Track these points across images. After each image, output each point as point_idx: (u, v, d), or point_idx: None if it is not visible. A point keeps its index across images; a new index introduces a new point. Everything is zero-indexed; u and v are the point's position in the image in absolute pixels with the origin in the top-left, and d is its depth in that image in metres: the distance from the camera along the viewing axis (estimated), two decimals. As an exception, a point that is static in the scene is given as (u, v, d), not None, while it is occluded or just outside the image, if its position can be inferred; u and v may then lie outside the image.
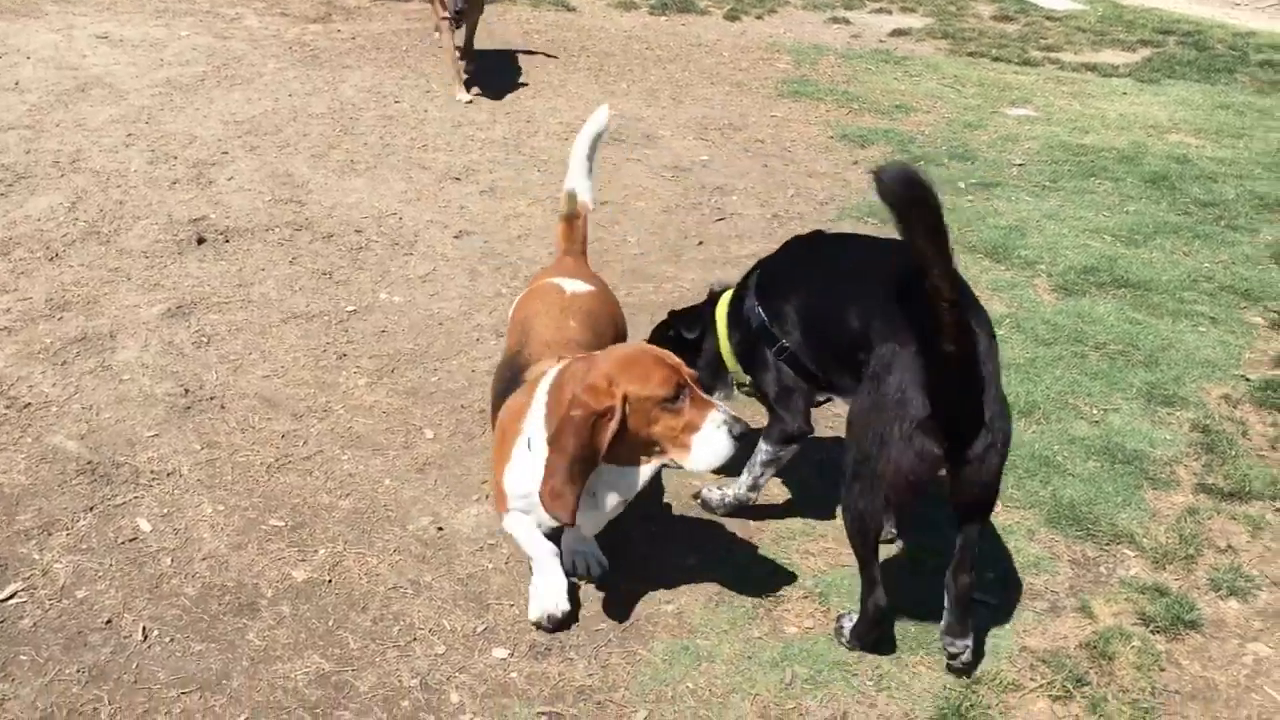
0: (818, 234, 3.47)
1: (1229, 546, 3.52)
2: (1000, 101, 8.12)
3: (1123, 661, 3.03)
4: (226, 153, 6.16)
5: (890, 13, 10.79)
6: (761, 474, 3.46)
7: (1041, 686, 2.94)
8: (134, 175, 5.80)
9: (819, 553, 3.44)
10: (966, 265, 5.34)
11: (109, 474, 3.58)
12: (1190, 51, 9.82)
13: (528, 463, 2.85)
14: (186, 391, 4.04)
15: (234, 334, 4.44)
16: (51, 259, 4.90)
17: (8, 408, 3.88)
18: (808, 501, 3.66)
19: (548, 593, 3.03)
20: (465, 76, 7.47)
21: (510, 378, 3.10)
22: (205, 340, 4.38)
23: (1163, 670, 3.02)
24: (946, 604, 2.92)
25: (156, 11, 8.91)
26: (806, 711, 2.85)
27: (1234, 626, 3.21)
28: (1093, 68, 9.22)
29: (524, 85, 7.70)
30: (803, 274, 3.28)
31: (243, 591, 3.15)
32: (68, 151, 6.01)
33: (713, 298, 3.61)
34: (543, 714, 2.81)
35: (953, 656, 2.95)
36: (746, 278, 3.47)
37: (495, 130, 6.82)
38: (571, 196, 3.68)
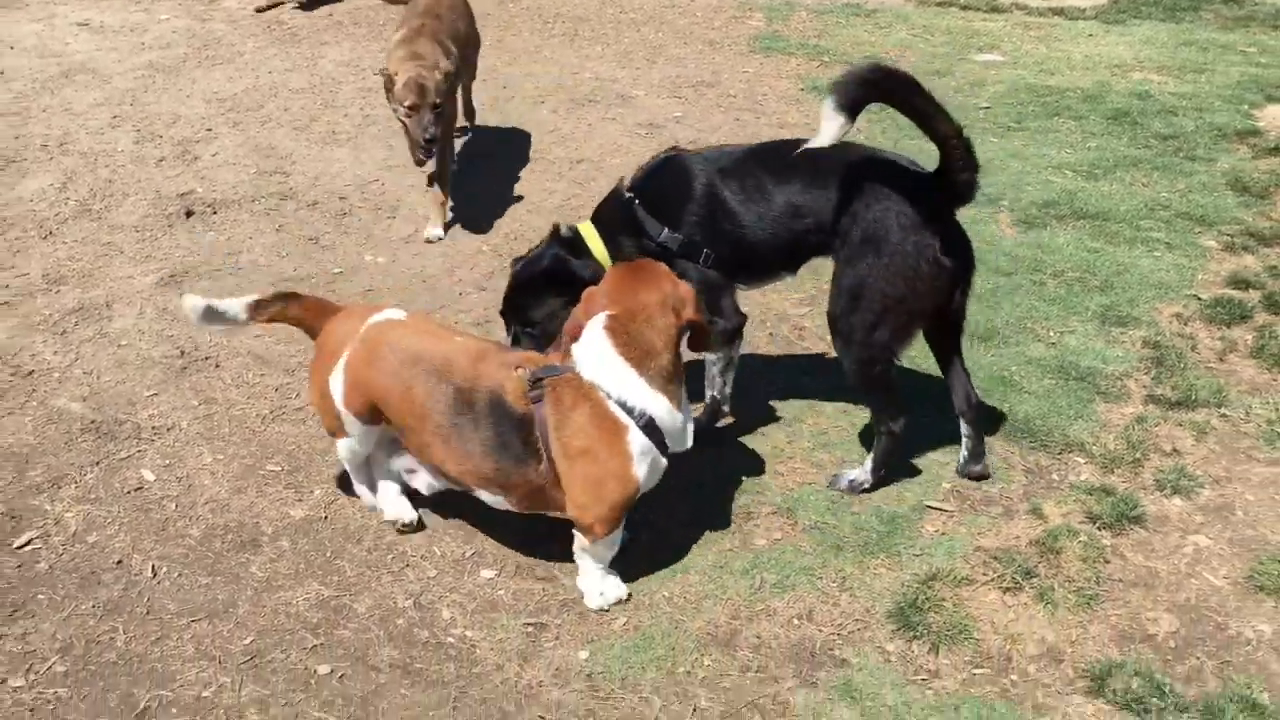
0: (683, 154, 3.58)
1: (1174, 450, 3.72)
2: (968, 48, 8.26)
3: (1069, 555, 3.23)
4: (210, 130, 6.33)
5: (862, -34, 10.89)
6: (723, 382, 3.69)
7: (992, 580, 3.15)
8: (121, 155, 5.97)
9: (787, 473, 3.64)
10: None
11: (112, 431, 3.78)
12: (1162, -7, 9.94)
13: None
14: (182, 353, 4.23)
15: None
16: (45, 237, 5.08)
17: (12, 375, 4.07)
18: (776, 427, 3.86)
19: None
20: (449, 206, 5.39)
21: None
22: (198, 305, 4.56)
23: (1107, 562, 3.23)
24: (965, 433, 3.51)
25: (136, -4, 9.03)
26: (774, 611, 3.06)
27: (1176, 521, 3.41)
28: (1060, 11, 9.34)
29: (499, 52, 7.84)
30: (708, 186, 3.45)
31: (244, 530, 3.35)
32: (55, 135, 6.17)
33: (567, 236, 3.59)
34: (529, 624, 3.02)
35: (979, 477, 3.51)
36: (611, 210, 3.57)
37: (474, 97, 6.98)
38: None
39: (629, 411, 2.92)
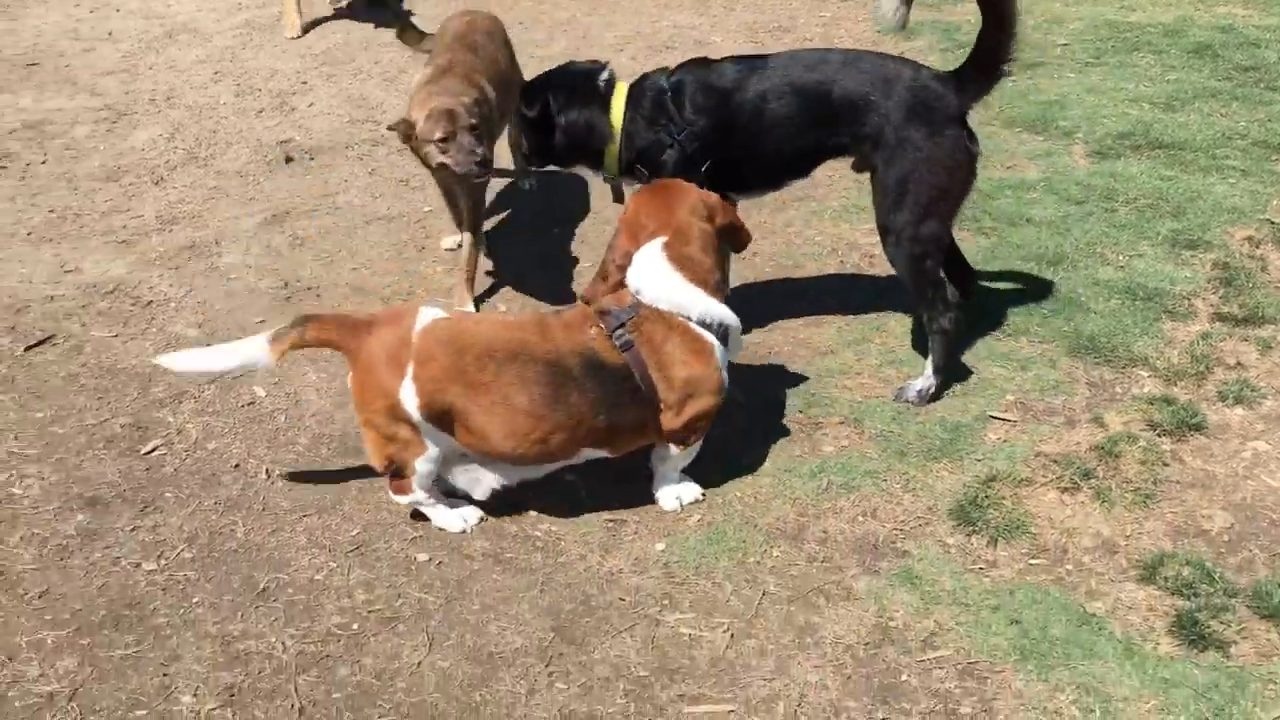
0: (715, 61, 3.81)
1: (1239, 364, 3.80)
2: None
3: (1128, 459, 3.36)
4: (305, 82, 6.62)
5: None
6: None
7: (1051, 481, 3.29)
8: (223, 108, 6.28)
9: (854, 387, 3.81)
10: (1005, 139, 5.59)
11: (226, 353, 4.08)
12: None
13: None
14: (286, 285, 4.52)
15: (324, 236, 4.91)
16: (157, 183, 5.41)
17: (133, 305, 4.40)
18: (844, 346, 4.02)
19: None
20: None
21: None
22: (299, 242, 4.85)
23: (1165, 465, 3.35)
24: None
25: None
26: (839, 509, 3.25)
27: (1237, 429, 3.51)
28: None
29: (578, 3, 8.01)
30: (736, 90, 3.68)
31: (347, 439, 3.62)
32: (162, 90, 6.51)
33: (602, 88, 3.79)
34: (609, 521, 3.24)
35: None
36: (643, 92, 3.77)
37: (553, 46, 7.18)
38: None
39: (707, 328, 3.11)
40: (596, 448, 3.16)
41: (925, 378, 3.67)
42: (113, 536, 3.22)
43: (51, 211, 5.13)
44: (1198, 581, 2.88)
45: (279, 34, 7.44)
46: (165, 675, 2.77)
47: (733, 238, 3.31)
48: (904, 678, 2.71)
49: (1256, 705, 2.58)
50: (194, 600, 3.01)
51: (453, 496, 3.27)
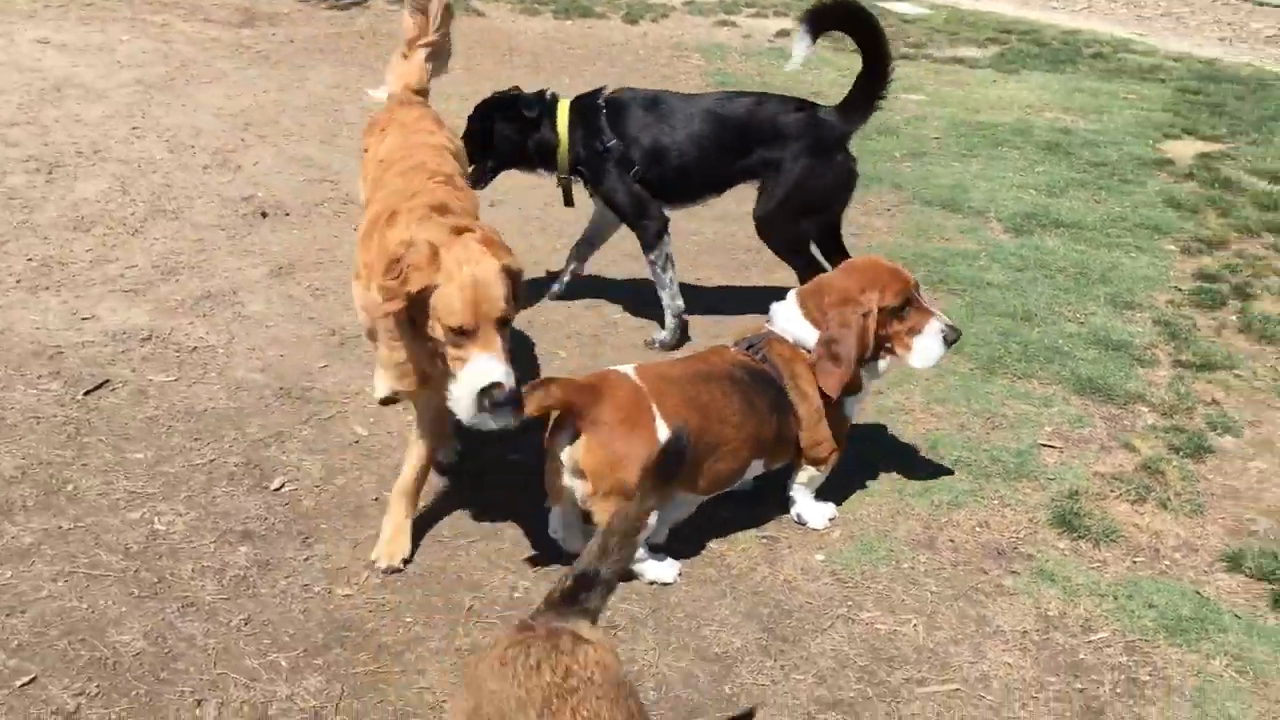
0: (643, 91, 4.79)
1: (1214, 400, 4.50)
2: (895, 89, 9.14)
3: (1171, 476, 3.95)
4: (243, 140, 6.55)
5: (767, 16, 11.78)
6: (669, 278, 4.63)
7: (1121, 495, 3.83)
8: (162, 162, 6.14)
9: (914, 422, 4.24)
10: (931, 215, 6.28)
11: (304, 395, 4.08)
12: (1032, 47, 11.17)
13: None
14: (333, 332, 4.54)
15: (343, 287, 4.92)
16: (133, 234, 5.26)
17: (178, 351, 4.30)
18: (890, 384, 4.46)
19: None
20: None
21: None
22: (321, 293, 4.86)
23: (1199, 481, 3.96)
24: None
25: (82, 19, 9.02)
26: (957, 522, 3.66)
27: (1235, 452, 4.18)
28: (959, 60, 10.42)
29: (471, 78, 8.26)
30: (658, 118, 4.60)
31: (462, 474, 3.72)
32: (84, 143, 6.28)
33: (549, 103, 4.71)
34: (762, 538, 3.51)
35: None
36: (586, 103, 4.65)
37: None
38: None
39: None
40: (763, 455, 3.40)
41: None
42: (290, 566, 3.21)
43: (31, 260, 4.89)
44: (1276, 568, 3.45)
45: (178, 94, 7.29)
46: (421, 689, 2.82)
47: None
48: (1080, 656, 3.12)
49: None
50: (407, 620, 3.05)
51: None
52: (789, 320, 3.52)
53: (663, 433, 3.06)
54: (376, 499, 3.54)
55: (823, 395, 3.42)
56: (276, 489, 3.55)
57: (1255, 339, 5.04)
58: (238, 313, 4.63)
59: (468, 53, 9.10)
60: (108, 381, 4.05)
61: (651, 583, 3.26)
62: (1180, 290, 5.51)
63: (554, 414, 3.12)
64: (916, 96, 8.98)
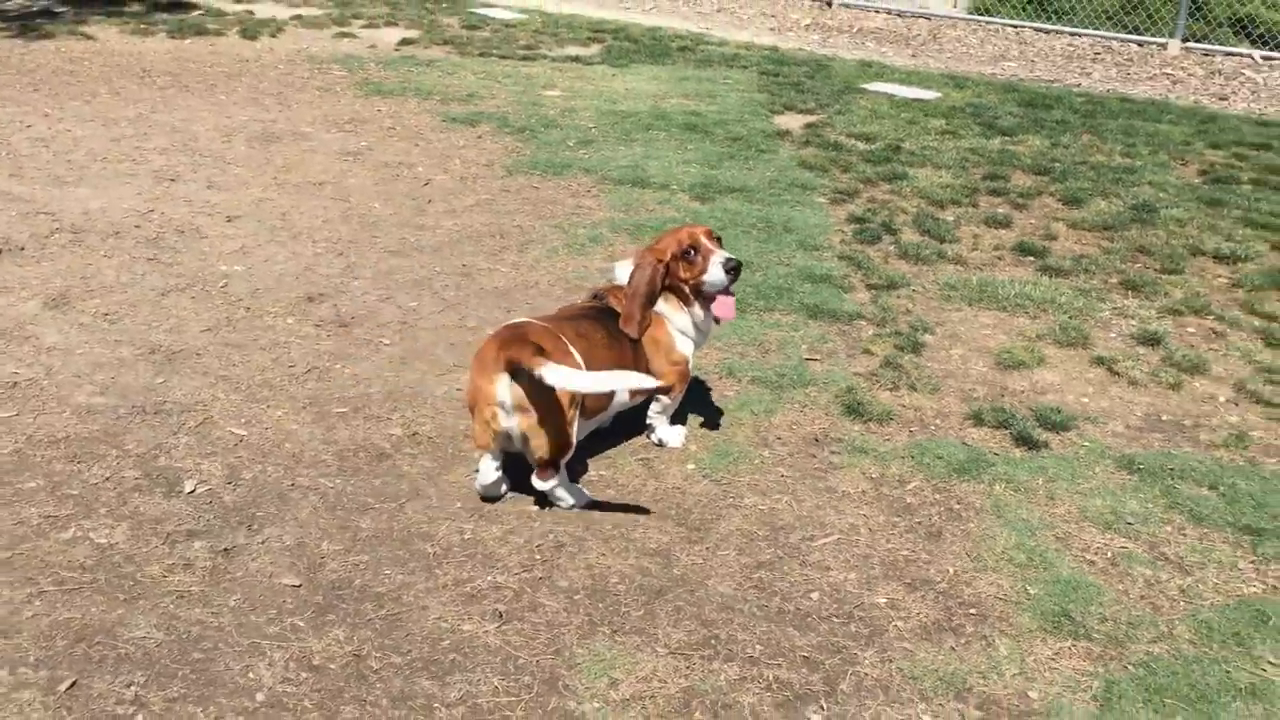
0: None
1: (907, 310, 5.64)
2: (534, 87, 9.95)
3: (907, 367, 4.99)
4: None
5: (378, 27, 12.15)
6: None
7: (879, 386, 4.81)
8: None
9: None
10: (626, 191, 7.11)
11: (159, 409, 4.21)
12: (628, 44, 12.33)
13: None
14: (153, 350, 4.62)
15: (133, 309, 4.96)
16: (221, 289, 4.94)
17: (0, 388, 4.23)
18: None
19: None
20: None
21: None
22: (113, 317, 4.87)
23: (925, 368, 5.03)
24: None
25: None
26: (776, 425, 4.47)
27: (937, 345, 5.31)
28: (575, 59, 11.36)
29: (124, 103, 8.10)
30: None
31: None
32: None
33: None
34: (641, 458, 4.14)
35: None
36: None
37: (152, 142, 7.30)
38: None
39: None
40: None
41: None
42: (251, 550, 3.46)
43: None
44: (1006, 418, 4.56)
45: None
46: (436, 619, 3.22)
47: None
48: (907, 500, 4.03)
49: None
50: (387, 572, 3.41)
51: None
52: (623, 271, 4.18)
53: (578, 358, 3.68)
54: (293, 485, 3.80)
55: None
56: (191, 491, 3.71)
57: (913, 262, 6.29)
58: (37, 346, 4.58)
59: (104, 77, 8.89)
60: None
61: (571, 506, 3.81)
62: (844, 232, 6.69)
63: (487, 373, 3.58)
64: (554, 92, 9.79)
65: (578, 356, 3.71)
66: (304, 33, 11.57)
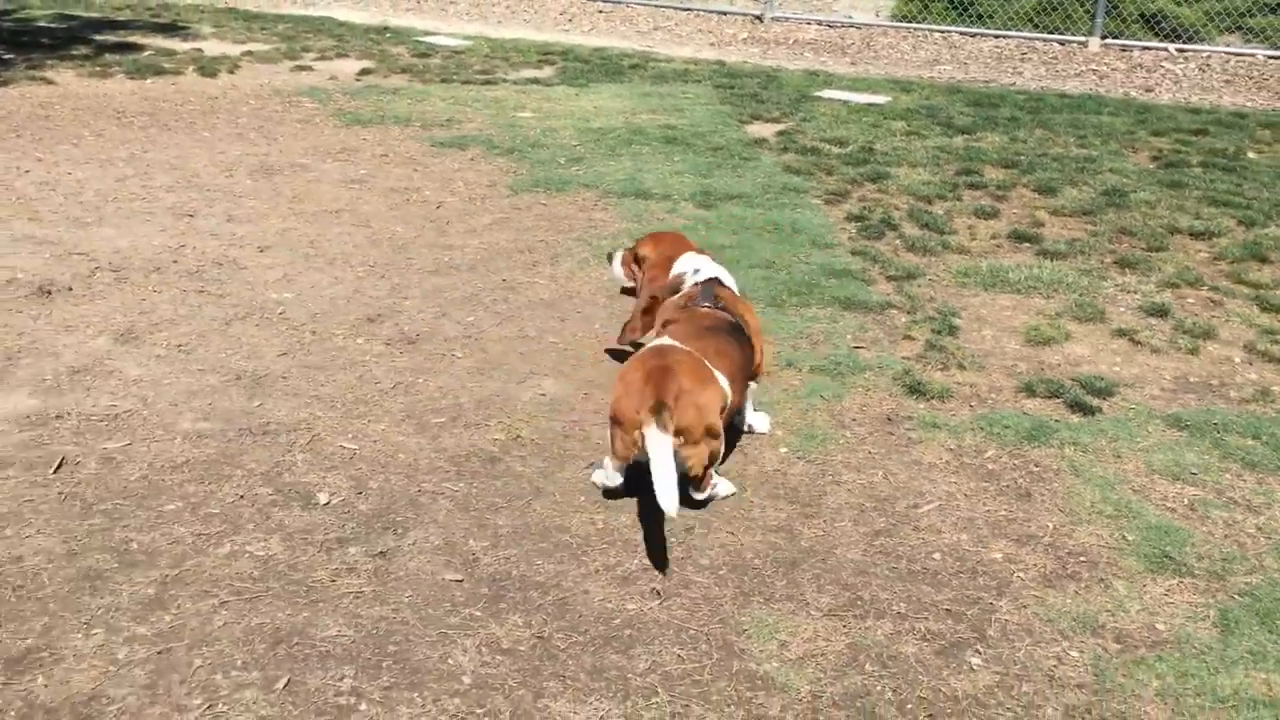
0: None
1: (931, 298, 5.96)
2: (505, 109, 10.13)
3: (949, 348, 5.29)
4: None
5: (330, 59, 12.21)
6: None
7: (931, 367, 5.11)
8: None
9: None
10: (631, 203, 7.34)
11: (265, 430, 4.32)
12: (579, 64, 12.57)
13: None
14: (238, 376, 4.71)
15: (202, 340, 5.05)
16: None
17: (103, 420, 4.31)
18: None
19: None
20: None
21: None
22: (187, 348, 4.95)
23: (965, 348, 5.34)
24: None
25: None
26: (849, 409, 4.73)
27: (968, 328, 5.63)
28: (534, 81, 11.56)
29: (109, 145, 8.10)
30: None
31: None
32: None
33: None
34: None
35: None
36: None
37: (157, 180, 7.34)
38: None
39: None
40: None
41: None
42: (405, 551, 3.61)
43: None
44: (1056, 388, 4.88)
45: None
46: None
47: None
48: (990, 468, 4.31)
49: None
50: (536, 561, 3.58)
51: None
52: (712, 268, 4.42)
53: (722, 381, 3.85)
54: (420, 491, 3.95)
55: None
56: (327, 503, 3.84)
57: (920, 254, 6.62)
58: (123, 379, 4.64)
59: (79, 120, 8.89)
60: (64, 459, 4.02)
61: (725, 497, 4.00)
62: (849, 229, 7.00)
63: (632, 399, 3.69)
64: (526, 114, 9.99)
65: (722, 379, 3.86)
66: (261, 68, 11.58)
